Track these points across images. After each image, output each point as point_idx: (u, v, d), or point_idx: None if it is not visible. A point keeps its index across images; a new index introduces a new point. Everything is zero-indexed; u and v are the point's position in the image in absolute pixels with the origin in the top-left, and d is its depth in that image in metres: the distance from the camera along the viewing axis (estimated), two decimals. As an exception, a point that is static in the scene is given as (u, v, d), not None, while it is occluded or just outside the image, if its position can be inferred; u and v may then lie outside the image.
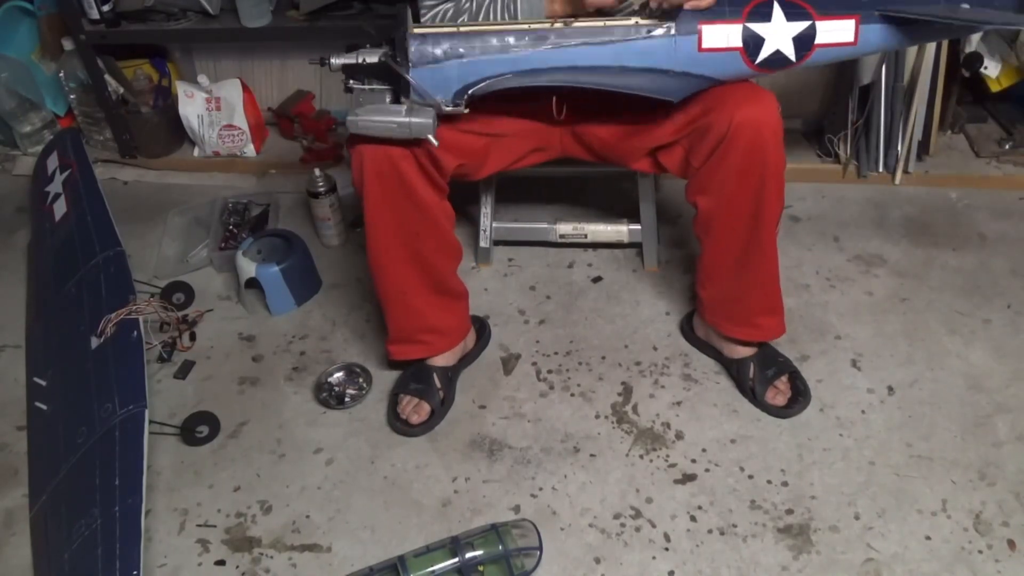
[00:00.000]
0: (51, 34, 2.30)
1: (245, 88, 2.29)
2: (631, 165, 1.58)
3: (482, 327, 1.78)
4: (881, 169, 2.11)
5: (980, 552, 1.35)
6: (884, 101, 2.02)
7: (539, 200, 2.07)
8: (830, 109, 2.17)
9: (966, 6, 1.30)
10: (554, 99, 1.49)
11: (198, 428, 1.62)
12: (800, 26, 1.30)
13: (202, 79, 2.28)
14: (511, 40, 1.30)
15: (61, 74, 2.29)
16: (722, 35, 1.29)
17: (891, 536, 1.39)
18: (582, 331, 1.79)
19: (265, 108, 2.41)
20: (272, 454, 1.59)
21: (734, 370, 1.65)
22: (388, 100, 1.32)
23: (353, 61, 1.30)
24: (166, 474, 1.56)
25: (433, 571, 1.32)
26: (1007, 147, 2.14)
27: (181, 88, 2.28)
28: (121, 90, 2.28)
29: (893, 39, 1.33)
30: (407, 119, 1.29)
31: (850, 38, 1.31)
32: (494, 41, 1.30)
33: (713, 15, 1.28)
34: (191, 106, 2.28)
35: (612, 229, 1.91)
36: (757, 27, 1.29)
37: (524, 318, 1.83)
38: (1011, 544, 1.36)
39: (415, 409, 1.61)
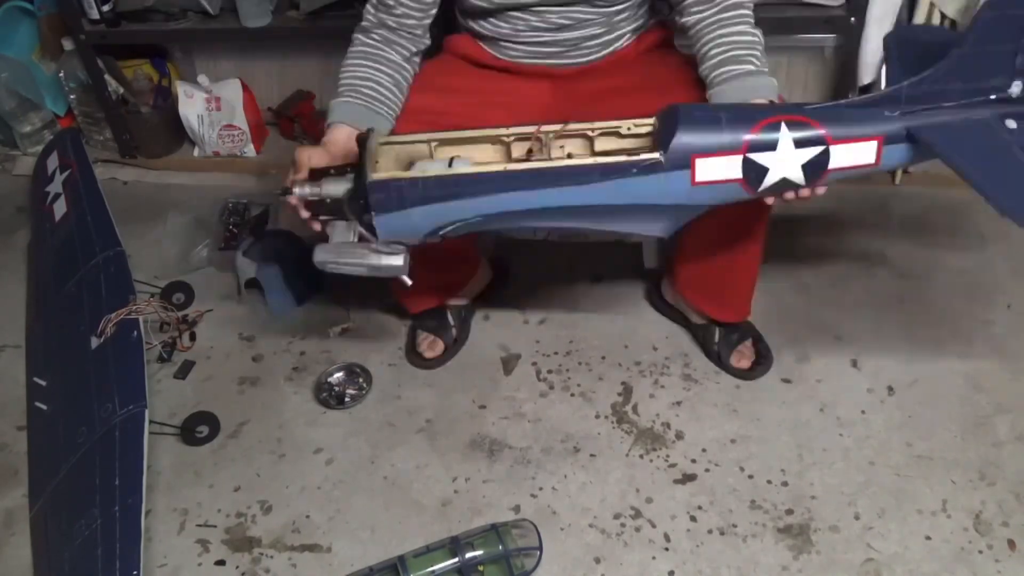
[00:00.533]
0: (51, 34, 2.30)
1: (245, 88, 2.29)
2: None
3: (502, 268, 1.83)
4: (881, 169, 2.10)
5: (980, 552, 1.35)
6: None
7: (539, 200, 2.07)
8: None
9: (1012, 124, 1.13)
10: None
11: (198, 428, 1.62)
12: (811, 152, 1.12)
13: (202, 79, 2.28)
14: (482, 182, 1.15)
15: (61, 74, 2.29)
16: (720, 167, 1.12)
17: (891, 536, 1.39)
18: (582, 331, 1.79)
19: (265, 108, 2.41)
20: (272, 454, 1.59)
21: (700, 335, 1.71)
22: (356, 234, 1.21)
23: (318, 196, 1.20)
24: (166, 474, 1.56)
25: (433, 571, 1.32)
26: (1007, 147, 2.13)
27: (181, 88, 2.28)
28: (121, 90, 2.28)
29: (920, 154, 1.17)
30: (376, 262, 1.20)
31: (871, 160, 1.15)
32: (463, 184, 1.16)
33: (708, 142, 1.11)
34: (191, 106, 2.28)
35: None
36: (760, 157, 1.12)
37: (524, 318, 1.83)
38: (1011, 544, 1.36)
39: (430, 345, 1.72)
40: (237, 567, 1.41)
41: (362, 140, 1.21)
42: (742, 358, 1.67)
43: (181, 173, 2.37)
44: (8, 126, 2.40)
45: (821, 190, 1.19)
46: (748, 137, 1.11)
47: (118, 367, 1.53)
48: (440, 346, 1.72)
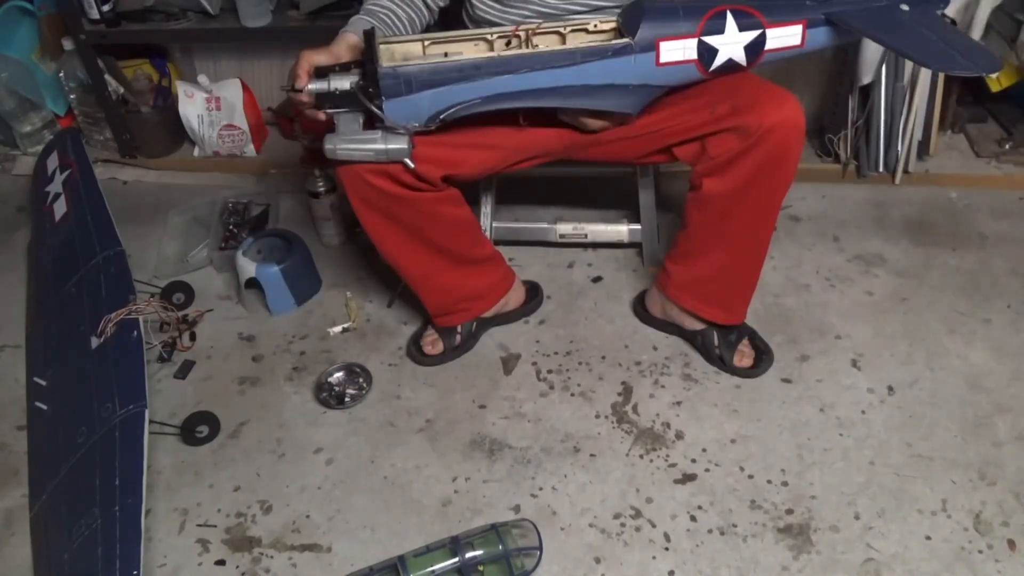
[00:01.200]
0: (51, 34, 2.30)
1: (245, 88, 2.29)
2: (641, 161, 1.58)
3: (534, 293, 1.84)
4: (881, 169, 2.11)
5: (980, 552, 1.35)
6: (884, 101, 2.02)
7: (539, 200, 2.07)
8: (830, 109, 2.17)
9: (905, 7, 1.34)
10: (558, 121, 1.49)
11: (198, 428, 1.62)
12: (751, 35, 1.34)
13: (202, 79, 2.28)
14: (478, 67, 1.32)
15: (61, 74, 2.29)
16: (679, 50, 1.34)
17: (891, 536, 1.39)
18: (582, 331, 1.79)
19: (265, 108, 2.41)
20: (272, 454, 1.59)
21: (698, 341, 1.70)
22: (361, 123, 1.35)
23: (325, 88, 1.33)
24: (166, 474, 1.56)
25: (433, 571, 1.32)
26: (1007, 147, 2.14)
27: (181, 88, 2.28)
28: (121, 90, 2.28)
29: (837, 37, 1.38)
30: (383, 146, 1.34)
31: (797, 42, 1.36)
32: (462, 68, 1.32)
33: (669, 30, 1.32)
34: (191, 106, 2.28)
35: (612, 229, 1.92)
36: (711, 39, 1.34)
37: (524, 318, 1.83)
38: (1011, 544, 1.36)
39: (432, 343, 1.74)
40: (237, 567, 1.41)
41: (369, 35, 1.34)
42: (743, 357, 1.67)
43: (181, 173, 2.37)
44: (8, 126, 2.40)
45: None
46: (702, 22, 1.33)
47: (118, 367, 1.53)
48: (440, 347, 1.73)
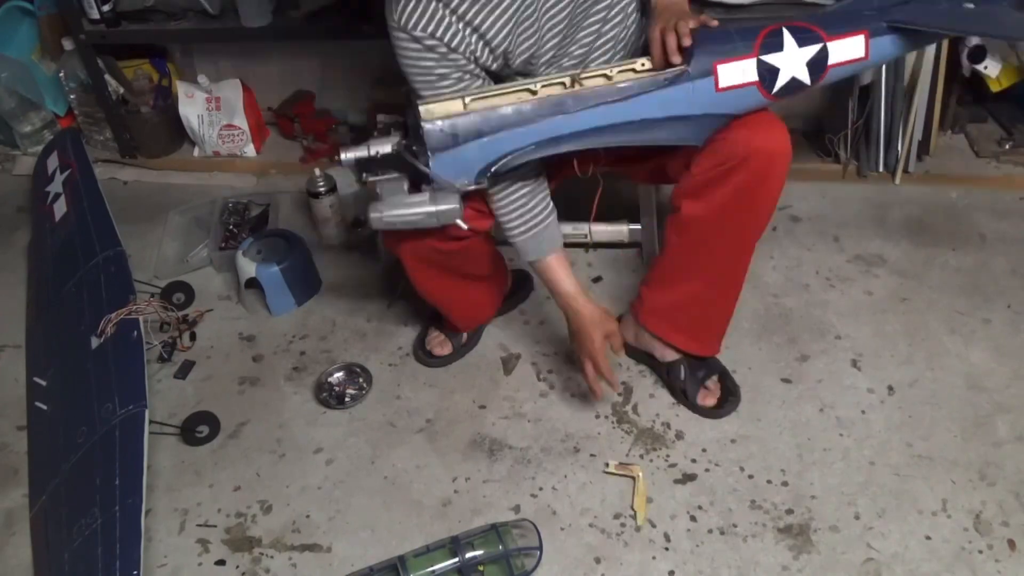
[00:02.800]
0: (51, 34, 2.30)
1: (245, 88, 2.29)
2: (634, 179, 1.58)
3: (521, 279, 1.86)
4: (881, 169, 2.11)
5: (980, 552, 1.35)
6: (884, 101, 2.01)
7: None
8: (830, 109, 2.17)
9: (970, 5, 1.29)
10: (575, 162, 1.46)
11: (198, 428, 1.62)
12: (812, 50, 1.27)
13: (202, 79, 2.28)
14: (528, 110, 1.25)
15: (61, 74, 2.29)
16: (738, 72, 1.27)
17: (891, 536, 1.39)
18: (582, 331, 1.79)
19: (265, 108, 2.41)
20: (272, 454, 1.59)
21: (664, 372, 1.65)
22: (406, 188, 1.29)
23: (365, 154, 1.27)
24: (166, 474, 1.56)
25: (433, 571, 1.32)
26: (1007, 147, 2.13)
27: (181, 88, 2.28)
28: (121, 90, 2.28)
29: (903, 46, 1.32)
30: (433, 207, 1.27)
31: (861, 53, 1.29)
32: (511, 113, 1.25)
33: (726, 52, 1.26)
34: (191, 106, 2.28)
35: (612, 229, 1.91)
36: (771, 58, 1.27)
37: (524, 318, 1.83)
38: (1011, 544, 1.36)
39: (440, 344, 1.74)
40: (237, 567, 1.41)
41: (407, 93, 1.32)
42: (708, 395, 1.61)
43: (181, 173, 2.37)
44: (8, 126, 2.40)
45: None
46: (758, 41, 1.26)
47: (118, 367, 1.53)
48: (449, 347, 1.74)
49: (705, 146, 1.36)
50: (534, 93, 1.29)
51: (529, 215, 1.44)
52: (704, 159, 1.37)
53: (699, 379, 1.61)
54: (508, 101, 1.29)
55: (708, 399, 1.61)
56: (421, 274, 1.53)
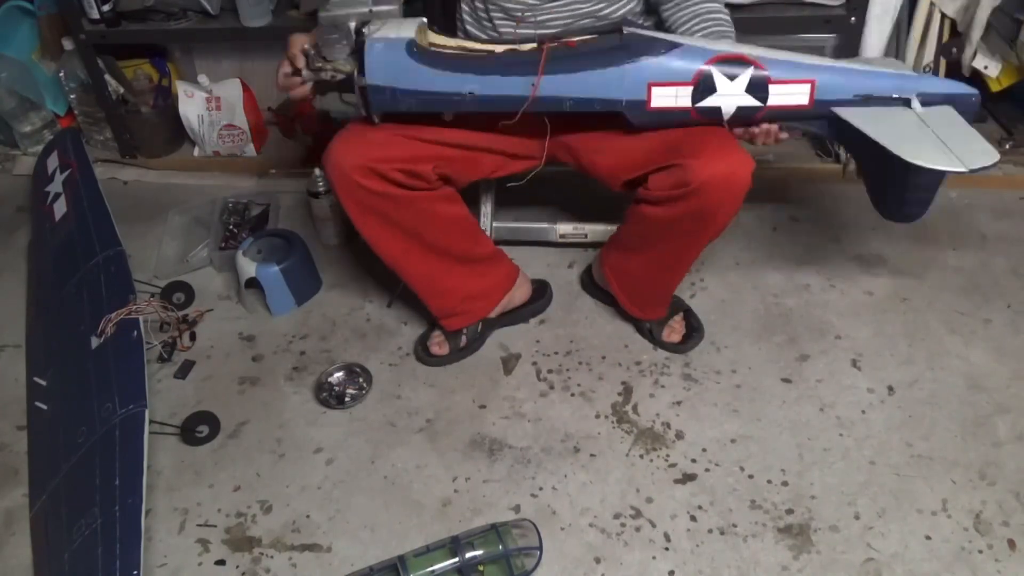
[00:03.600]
0: (51, 34, 2.30)
1: (245, 88, 2.29)
2: (613, 188, 1.59)
3: (543, 291, 1.85)
4: (881, 169, 2.11)
5: (980, 552, 1.35)
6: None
7: (539, 200, 2.07)
8: (830, 109, 2.16)
9: (917, 106, 1.35)
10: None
11: (198, 428, 1.62)
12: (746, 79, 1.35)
13: (202, 79, 2.28)
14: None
15: (61, 74, 2.29)
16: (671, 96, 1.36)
17: (891, 536, 1.39)
18: (582, 331, 1.79)
19: (265, 108, 2.41)
20: (272, 454, 1.59)
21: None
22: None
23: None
24: (166, 474, 1.56)
25: (433, 571, 1.32)
26: (1007, 147, 2.13)
27: (181, 88, 2.28)
28: (121, 90, 2.28)
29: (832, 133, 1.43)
30: (374, 5, 1.36)
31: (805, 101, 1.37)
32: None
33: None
34: (191, 106, 2.28)
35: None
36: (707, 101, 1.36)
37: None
38: (1011, 544, 1.36)
39: (439, 343, 1.74)
40: (237, 567, 1.41)
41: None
42: (672, 332, 1.72)
43: (181, 173, 2.37)
44: (8, 126, 2.40)
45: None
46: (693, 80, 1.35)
47: (118, 367, 1.53)
48: (447, 348, 1.73)
49: (665, 164, 1.40)
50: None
51: None
52: (661, 178, 1.42)
53: (663, 319, 1.72)
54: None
55: (672, 336, 1.72)
56: (367, 225, 1.49)
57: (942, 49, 1.99)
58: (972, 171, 1.27)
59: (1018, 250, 1.91)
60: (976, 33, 1.91)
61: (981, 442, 1.52)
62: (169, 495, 1.52)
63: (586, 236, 1.92)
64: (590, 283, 1.85)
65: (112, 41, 2.21)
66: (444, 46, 1.41)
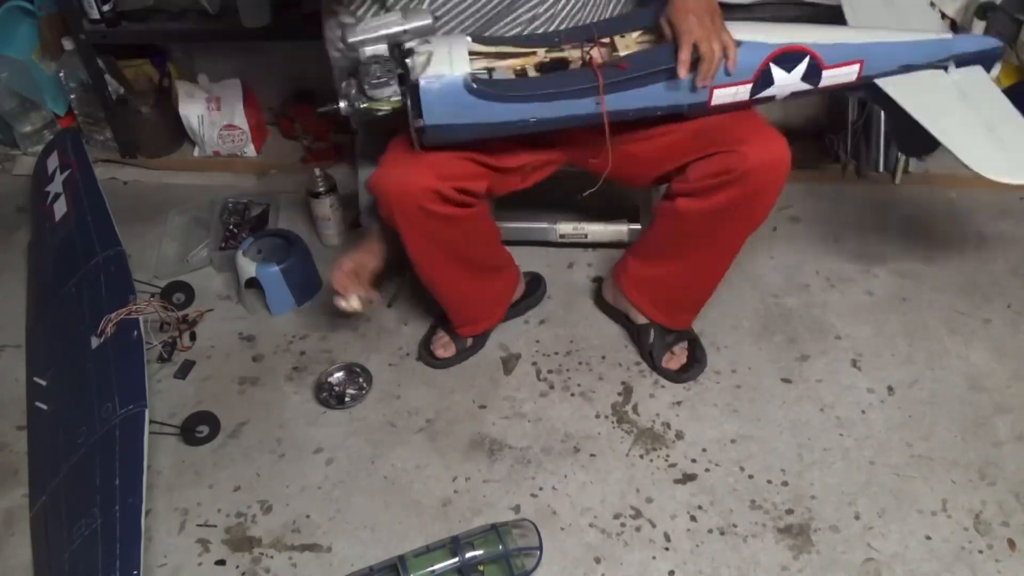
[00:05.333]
0: (51, 34, 2.30)
1: (245, 88, 2.29)
2: (638, 186, 1.58)
3: (536, 284, 1.84)
4: (881, 169, 2.11)
5: (980, 552, 1.35)
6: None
7: (539, 200, 2.07)
8: (830, 109, 2.16)
9: (955, 71, 1.42)
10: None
11: (198, 428, 1.62)
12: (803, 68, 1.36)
13: (202, 79, 2.28)
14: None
15: (61, 74, 2.29)
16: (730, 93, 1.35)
17: (891, 536, 1.39)
18: (582, 331, 1.79)
19: (265, 108, 2.41)
20: (272, 454, 1.59)
21: (635, 334, 1.72)
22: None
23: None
24: (166, 474, 1.56)
25: (433, 571, 1.32)
26: (1007, 147, 2.13)
27: (181, 88, 2.27)
28: (121, 90, 2.28)
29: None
30: (408, 24, 1.27)
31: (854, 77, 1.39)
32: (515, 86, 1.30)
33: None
34: (191, 106, 2.28)
35: (612, 229, 1.92)
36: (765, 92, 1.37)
37: (524, 318, 1.83)
38: (1011, 544, 1.36)
39: (444, 345, 1.73)
40: (237, 567, 1.41)
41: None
42: (672, 359, 1.67)
43: (181, 173, 2.37)
44: (8, 126, 2.40)
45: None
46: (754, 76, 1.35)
47: (118, 367, 1.53)
48: (452, 350, 1.73)
49: (704, 154, 1.38)
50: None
51: None
52: (703, 166, 1.39)
53: (667, 343, 1.68)
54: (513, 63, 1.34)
55: (672, 363, 1.68)
56: (418, 245, 1.47)
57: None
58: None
59: (1018, 250, 1.91)
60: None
61: (981, 442, 1.52)
62: (169, 495, 1.52)
63: (586, 236, 1.92)
64: (602, 302, 1.82)
65: (112, 41, 2.21)
66: (485, 54, 1.36)
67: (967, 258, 1.90)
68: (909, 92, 1.40)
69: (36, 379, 1.71)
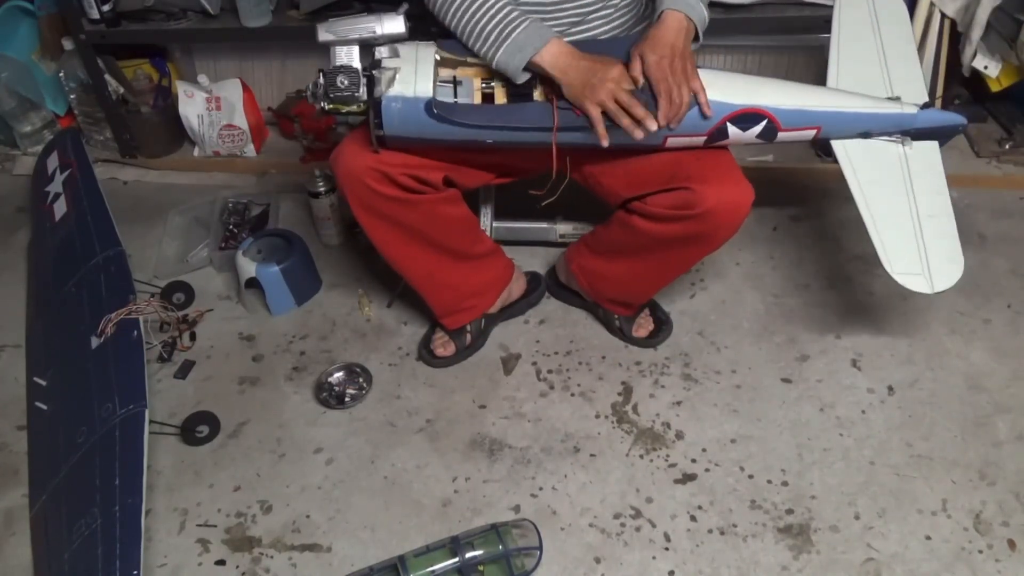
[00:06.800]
0: (51, 34, 2.30)
1: (245, 88, 2.29)
2: (611, 204, 1.59)
3: (536, 283, 1.85)
4: (881, 169, 2.10)
5: (980, 552, 1.35)
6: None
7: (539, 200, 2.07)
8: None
9: (908, 147, 1.48)
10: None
11: (198, 428, 1.62)
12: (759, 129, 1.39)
13: (202, 79, 2.28)
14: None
15: (61, 74, 2.29)
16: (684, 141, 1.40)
17: (891, 536, 1.39)
18: (582, 331, 1.79)
19: (265, 108, 2.41)
20: (272, 454, 1.59)
21: (600, 313, 1.77)
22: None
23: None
24: (166, 474, 1.56)
25: (433, 571, 1.32)
26: (1007, 147, 2.14)
27: (181, 88, 2.28)
28: (121, 90, 2.28)
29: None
30: (379, 27, 1.29)
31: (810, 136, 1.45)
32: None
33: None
34: (191, 106, 2.28)
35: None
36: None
37: (524, 318, 1.83)
38: (1011, 544, 1.36)
39: (443, 344, 1.74)
40: (237, 567, 1.41)
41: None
42: (640, 328, 1.74)
43: (181, 173, 2.37)
44: (8, 126, 2.40)
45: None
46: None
47: (118, 367, 1.53)
48: (452, 348, 1.73)
49: (667, 186, 1.41)
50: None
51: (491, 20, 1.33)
52: (663, 197, 1.42)
53: (631, 316, 1.74)
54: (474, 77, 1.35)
55: (641, 331, 1.74)
56: (373, 226, 1.48)
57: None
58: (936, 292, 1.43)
59: (1018, 250, 1.91)
60: (976, 33, 1.91)
61: (981, 442, 1.52)
62: (169, 495, 1.52)
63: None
64: (555, 285, 1.85)
65: (112, 41, 2.21)
66: (452, 62, 1.37)
67: (967, 258, 1.88)
68: (857, 160, 1.47)
69: (36, 379, 1.71)
